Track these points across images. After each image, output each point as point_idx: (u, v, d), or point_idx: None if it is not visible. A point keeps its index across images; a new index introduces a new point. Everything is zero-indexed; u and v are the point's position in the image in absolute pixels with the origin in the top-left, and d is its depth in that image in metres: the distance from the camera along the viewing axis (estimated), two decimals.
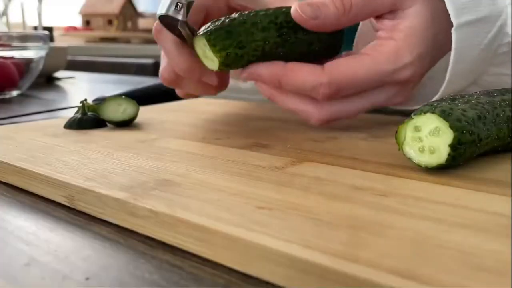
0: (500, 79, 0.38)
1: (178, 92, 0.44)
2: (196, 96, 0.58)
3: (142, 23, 2.67)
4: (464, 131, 0.23)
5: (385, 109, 0.41)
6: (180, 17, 0.32)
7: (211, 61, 0.32)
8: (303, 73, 0.30)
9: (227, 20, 0.31)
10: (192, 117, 0.44)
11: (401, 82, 0.32)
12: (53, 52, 0.84)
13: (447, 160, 0.23)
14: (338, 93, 0.31)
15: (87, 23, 2.56)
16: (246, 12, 0.32)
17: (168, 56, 0.36)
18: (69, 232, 0.21)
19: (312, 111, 0.33)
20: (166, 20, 0.33)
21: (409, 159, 0.25)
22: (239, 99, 0.54)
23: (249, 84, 0.57)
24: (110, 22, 2.52)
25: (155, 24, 0.36)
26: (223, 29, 0.31)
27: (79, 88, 0.82)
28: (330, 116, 0.33)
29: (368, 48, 0.32)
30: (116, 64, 1.42)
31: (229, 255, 0.18)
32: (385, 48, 0.31)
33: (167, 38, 0.35)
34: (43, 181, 0.25)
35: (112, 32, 2.47)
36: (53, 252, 0.19)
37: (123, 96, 0.40)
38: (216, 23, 0.31)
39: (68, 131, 0.37)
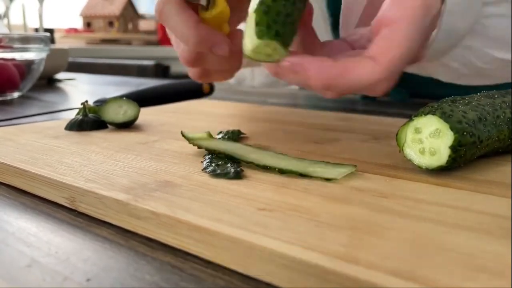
0: (501, 22, 0.37)
1: (194, 74, 0.41)
2: (204, 95, 0.58)
3: (143, 24, 2.67)
4: (465, 133, 0.23)
5: (385, 111, 0.40)
6: None
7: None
8: (357, 72, 0.26)
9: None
10: (192, 119, 0.44)
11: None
12: (54, 54, 0.84)
13: (447, 161, 0.23)
14: (395, 81, 0.28)
15: (88, 24, 2.57)
16: None
17: (177, 35, 0.35)
18: (70, 234, 0.21)
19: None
20: None
21: (410, 160, 0.25)
22: (240, 101, 0.55)
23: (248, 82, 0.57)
24: (111, 23, 2.52)
25: (157, 5, 0.34)
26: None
27: (80, 90, 0.82)
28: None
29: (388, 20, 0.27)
30: (117, 66, 1.42)
31: (229, 257, 0.18)
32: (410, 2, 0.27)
33: (172, 15, 0.34)
34: (44, 183, 0.25)
35: (113, 34, 2.48)
36: (54, 254, 0.19)
37: (124, 98, 0.40)
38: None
39: (69, 132, 0.37)
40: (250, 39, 0.26)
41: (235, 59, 0.38)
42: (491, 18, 0.37)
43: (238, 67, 0.40)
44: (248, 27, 0.26)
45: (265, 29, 0.26)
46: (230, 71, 0.40)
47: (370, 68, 0.26)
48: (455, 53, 0.39)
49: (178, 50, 0.38)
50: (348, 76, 0.26)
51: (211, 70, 0.40)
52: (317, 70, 0.26)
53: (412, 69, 0.47)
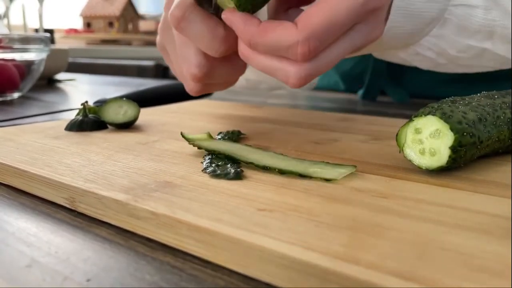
0: (468, 11, 0.37)
1: (197, 89, 0.38)
2: (204, 96, 0.57)
3: (143, 25, 2.67)
4: (465, 133, 0.23)
5: (385, 111, 0.40)
6: None
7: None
8: (277, 33, 0.28)
9: None
10: (192, 119, 0.44)
11: (372, 11, 0.31)
12: (54, 54, 0.84)
13: (447, 162, 0.24)
14: (317, 48, 0.29)
15: (88, 25, 2.57)
16: None
17: (201, 43, 0.33)
18: (70, 234, 0.21)
19: (290, 69, 0.30)
20: None
21: (410, 161, 0.25)
22: (240, 101, 0.54)
23: (243, 81, 0.57)
24: (111, 24, 2.52)
25: (176, 12, 0.32)
26: None
27: (80, 90, 0.82)
28: (310, 71, 0.30)
29: None
30: (117, 66, 1.42)
31: (229, 257, 0.18)
32: None
33: (196, 24, 0.32)
34: (44, 183, 0.25)
35: (113, 34, 2.48)
36: (54, 254, 0.19)
37: (124, 98, 0.40)
38: None
39: (69, 133, 0.37)
40: None
41: (241, 69, 0.37)
42: (459, 7, 0.37)
43: (237, 79, 0.39)
44: None
45: None
46: (230, 83, 0.39)
47: (288, 30, 0.28)
48: (426, 41, 0.39)
49: (183, 67, 0.36)
50: (267, 35, 0.29)
51: (214, 83, 0.38)
52: (243, 28, 0.30)
53: (386, 58, 0.45)
